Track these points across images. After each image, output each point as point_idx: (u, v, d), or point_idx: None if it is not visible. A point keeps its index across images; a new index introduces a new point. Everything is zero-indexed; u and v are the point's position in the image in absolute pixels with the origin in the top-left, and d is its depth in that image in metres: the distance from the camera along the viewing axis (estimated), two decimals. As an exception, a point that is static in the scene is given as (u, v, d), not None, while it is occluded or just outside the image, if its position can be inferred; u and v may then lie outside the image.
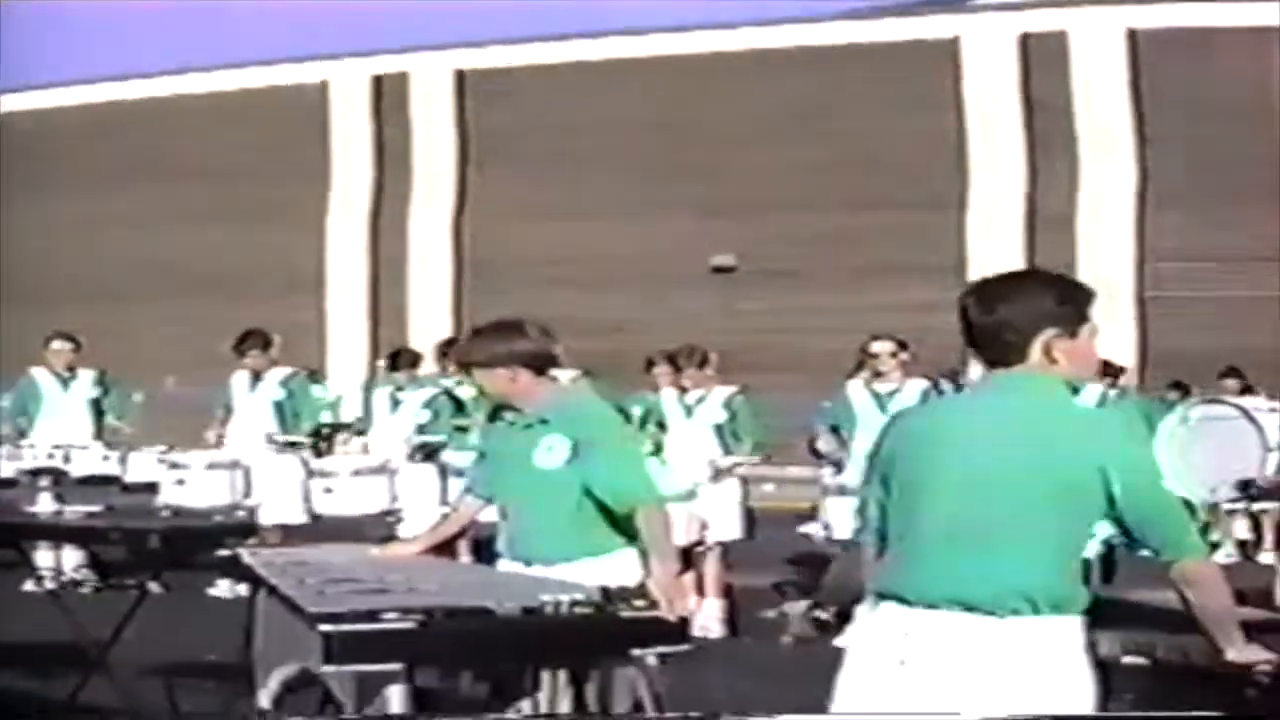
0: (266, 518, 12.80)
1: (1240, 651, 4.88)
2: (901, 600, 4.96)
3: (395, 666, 6.22)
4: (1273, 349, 22.24)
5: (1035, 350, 4.90)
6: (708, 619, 12.37)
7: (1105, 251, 26.88)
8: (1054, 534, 4.86)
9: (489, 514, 7.75)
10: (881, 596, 5.04)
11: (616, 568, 7.05)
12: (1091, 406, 10.03)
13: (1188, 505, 5.28)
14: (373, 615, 6.24)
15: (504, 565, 7.28)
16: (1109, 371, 15.33)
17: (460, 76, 30.61)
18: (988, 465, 4.86)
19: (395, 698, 6.26)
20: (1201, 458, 11.35)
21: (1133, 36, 27.18)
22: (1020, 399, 4.93)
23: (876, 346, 12.23)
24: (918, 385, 12.22)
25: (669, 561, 7.11)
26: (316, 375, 16.71)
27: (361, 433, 15.32)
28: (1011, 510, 4.84)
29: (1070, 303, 4.99)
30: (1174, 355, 22.98)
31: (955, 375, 13.70)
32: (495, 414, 7.95)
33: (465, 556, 10.67)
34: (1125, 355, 24.81)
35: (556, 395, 7.40)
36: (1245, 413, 11.42)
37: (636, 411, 13.08)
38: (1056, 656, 4.83)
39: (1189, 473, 11.94)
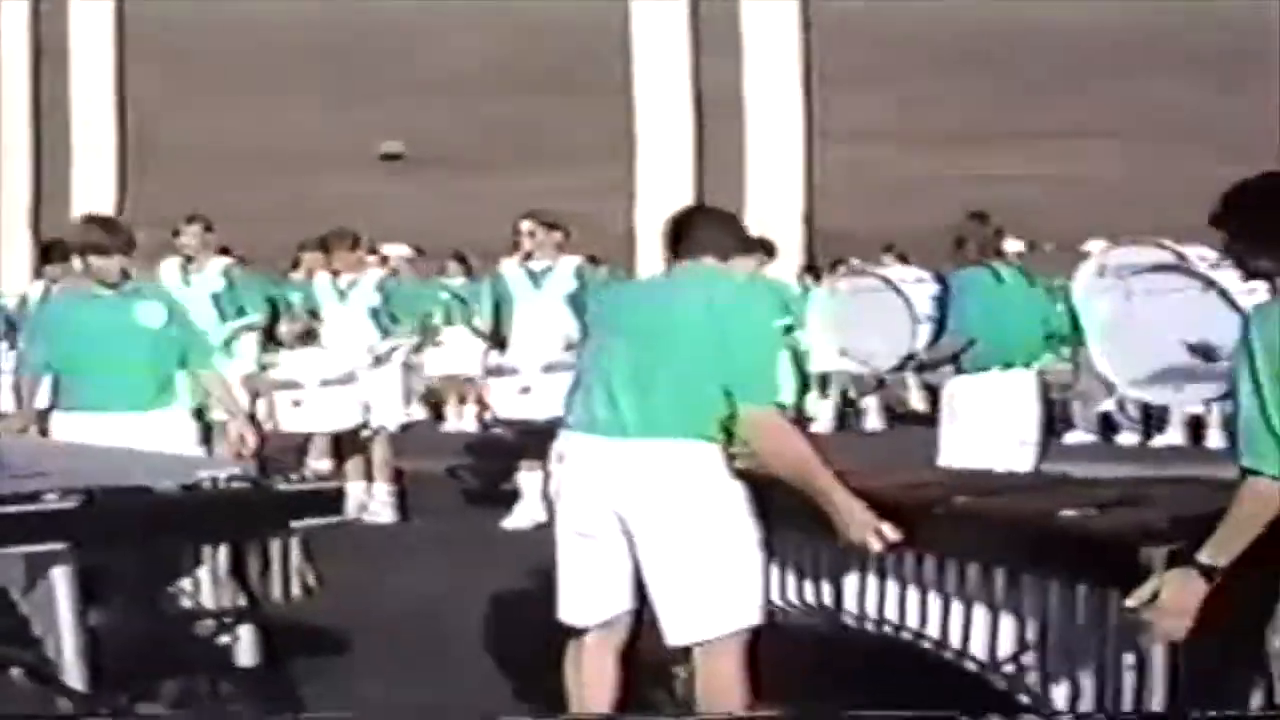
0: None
1: (852, 518, 5.53)
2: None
3: (59, 546, 6.26)
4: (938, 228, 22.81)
5: None
6: (377, 503, 12.54)
7: (773, 132, 27.30)
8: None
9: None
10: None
11: None
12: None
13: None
14: (34, 496, 6.27)
15: None
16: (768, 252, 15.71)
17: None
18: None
19: (60, 579, 6.30)
20: (852, 329, 11.75)
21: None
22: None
23: (525, 225, 12.34)
24: (571, 262, 12.38)
25: None
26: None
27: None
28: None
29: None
30: (843, 236, 23.48)
31: None
32: None
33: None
34: (794, 237, 25.41)
35: None
36: (890, 283, 11.85)
37: (296, 299, 13.09)
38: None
39: (839, 344, 12.35)
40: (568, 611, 5.89)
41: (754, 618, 5.70)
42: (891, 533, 5.46)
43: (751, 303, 5.99)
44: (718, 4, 27.42)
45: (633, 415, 5.67)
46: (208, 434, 9.39)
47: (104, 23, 29.54)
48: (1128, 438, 16.83)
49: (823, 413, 17.82)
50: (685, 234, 6.00)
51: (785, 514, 5.74)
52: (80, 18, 29.54)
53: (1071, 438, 16.43)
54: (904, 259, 17.95)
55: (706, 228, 6.04)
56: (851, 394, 18.88)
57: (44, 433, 8.45)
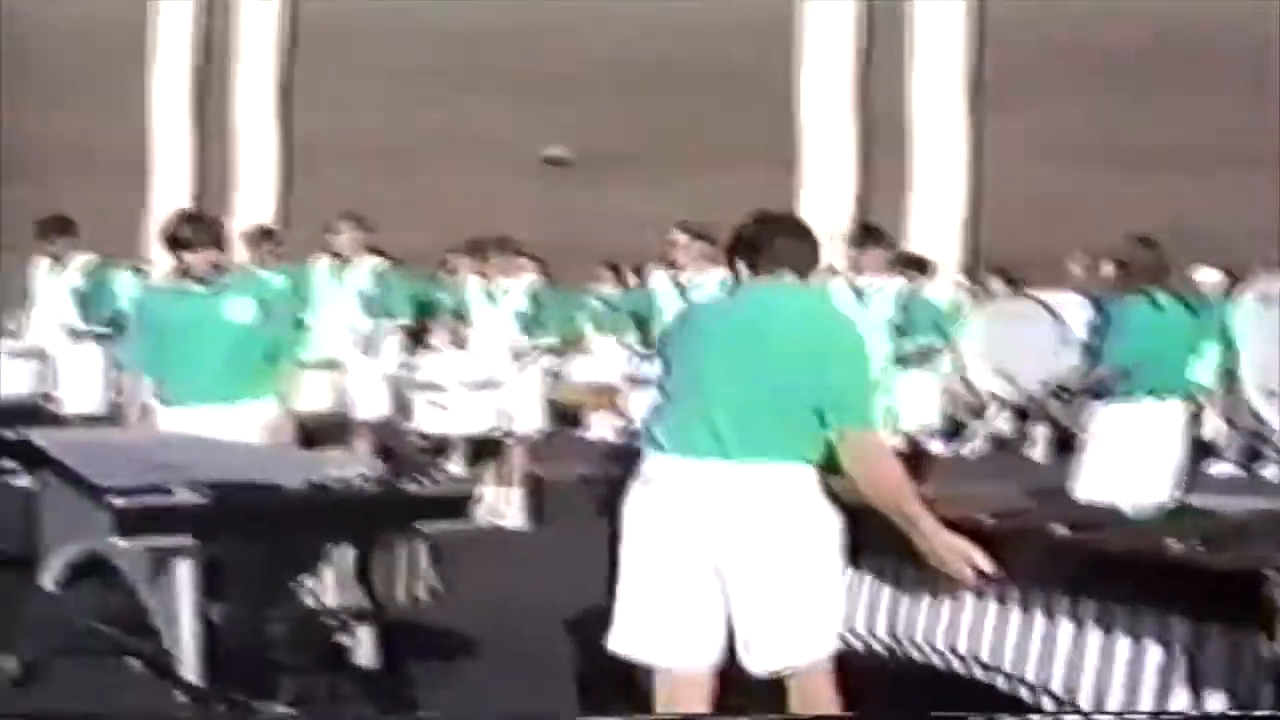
0: (69, 407, 12.71)
1: (939, 547, 5.42)
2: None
3: (185, 540, 6.29)
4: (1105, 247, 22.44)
5: None
6: (511, 509, 12.52)
7: (938, 143, 27.06)
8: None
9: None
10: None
11: None
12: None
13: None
14: (162, 490, 6.31)
15: None
16: (916, 266, 15.54)
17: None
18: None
19: (184, 572, 6.33)
20: (1004, 350, 11.60)
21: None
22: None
23: (674, 236, 12.26)
24: (718, 275, 12.29)
25: None
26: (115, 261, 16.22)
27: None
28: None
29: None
30: (1006, 250, 23.19)
31: None
32: None
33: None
34: (952, 248, 25.17)
35: None
36: (1046, 306, 11.69)
37: (445, 301, 13.13)
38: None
39: (991, 363, 12.20)
40: (648, 649, 5.65)
41: (835, 644, 5.59)
42: (985, 563, 5.35)
43: (845, 323, 5.86)
44: (888, 11, 27.23)
45: (731, 437, 5.51)
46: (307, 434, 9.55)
47: (270, 21, 29.90)
48: (1274, 471, 16.43)
49: (975, 435, 17.52)
50: (763, 248, 5.79)
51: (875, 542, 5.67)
52: (249, 16, 29.93)
53: (1217, 468, 16.07)
54: (1064, 279, 17.74)
55: (786, 241, 5.83)
56: (1004, 419, 18.49)
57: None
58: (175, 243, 8.72)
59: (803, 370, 5.51)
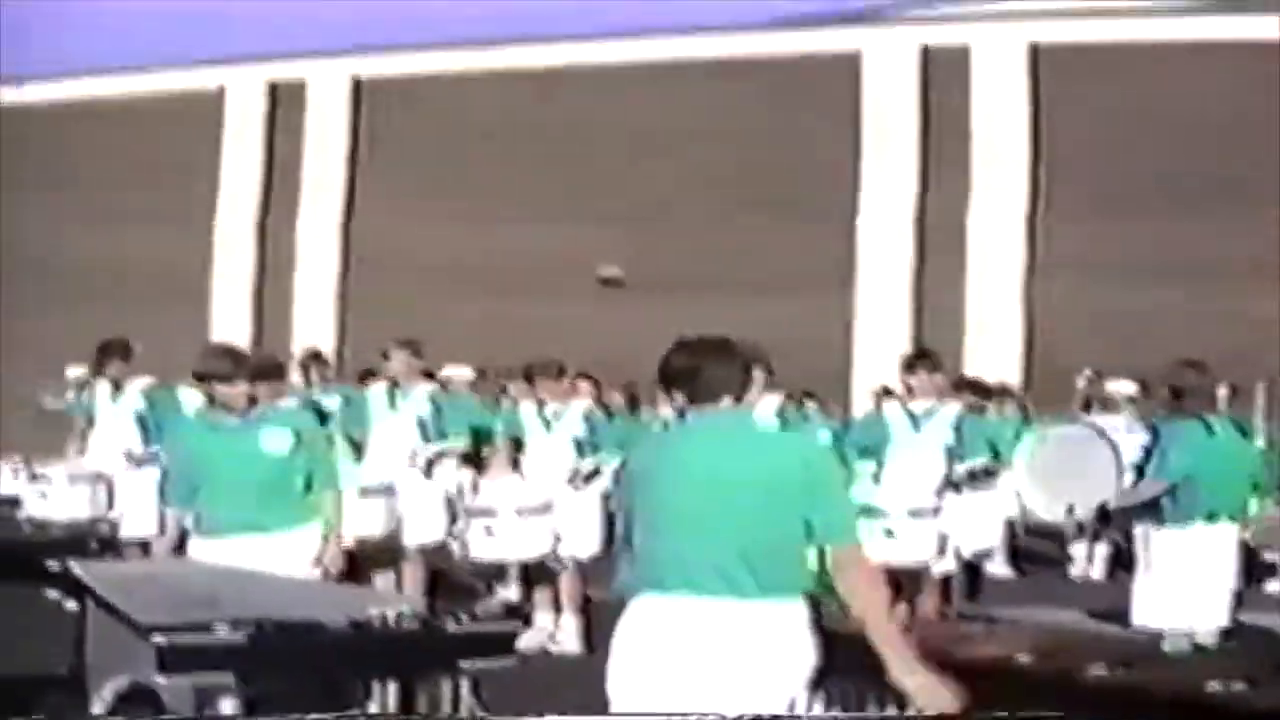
0: (127, 531, 12.76)
1: (904, 675, 5.42)
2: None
3: (227, 678, 6.28)
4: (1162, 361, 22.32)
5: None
6: (564, 634, 12.43)
7: (994, 263, 27.09)
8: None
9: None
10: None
11: None
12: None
13: None
14: (204, 627, 6.30)
15: None
16: (976, 390, 15.51)
17: (356, 83, 30.56)
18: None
19: (228, 709, 6.32)
20: (1058, 475, 11.52)
21: (1034, 51, 27.39)
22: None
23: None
24: (772, 401, 12.27)
25: None
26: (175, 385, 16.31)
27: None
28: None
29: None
30: (1064, 368, 23.11)
31: None
32: None
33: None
34: (1012, 368, 25.11)
35: None
36: (1101, 432, 11.62)
37: (500, 425, 13.14)
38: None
39: (1044, 489, 12.11)
40: None
41: None
42: (953, 705, 5.34)
43: (816, 445, 6.08)
44: (946, 132, 27.34)
45: (742, 576, 5.54)
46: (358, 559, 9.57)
47: (339, 140, 30.20)
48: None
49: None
50: (695, 376, 5.83)
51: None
52: (314, 135, 30.23)
53: (1273, 585, 15.90)
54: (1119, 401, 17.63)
55: (716, 368, 5.87)
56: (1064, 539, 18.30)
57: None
58: (208, 376, 8.81)
59: (792, 500, 5.56)
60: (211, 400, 8.92)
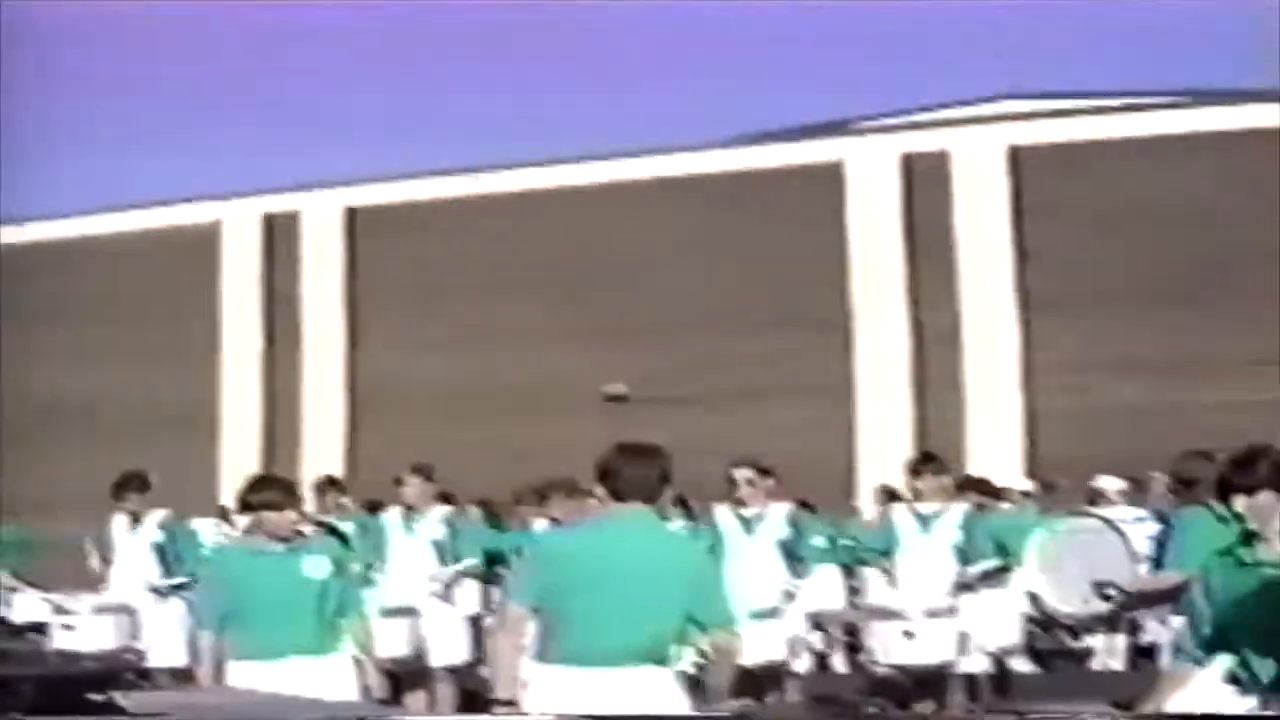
0: (156, 660, 12.87)
1: None
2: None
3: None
4: (1163, 454, 22.43)
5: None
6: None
7: (990, 365, 27.27)
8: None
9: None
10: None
11: None
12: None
13: None
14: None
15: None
16: (982, 489, 15.61)
17: (350, 212, 30.83)
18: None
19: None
20: (1069, 569, 11.61)
21: (1014, 153, 27.69)
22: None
23: (736, 473, 12.58)
24: (782, 509, 12.46)
25: None
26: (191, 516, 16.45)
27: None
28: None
29: None
30: (1066, 464, 23.22)
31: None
32: None
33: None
34: (1014, 467, 25.18)
35: None
36: (1110, 524, 11.73)
37: (512, 547, 13.24)
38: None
39: (1056, 583, 12.20)
40: None
41: None
42: None
43: (694, 544, 7.90)
44: (933, 238, 27.56)
45: (650, 648, 6.63)
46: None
47: (334, 269, 30.43)
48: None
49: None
50: (617, 476, 6.91)
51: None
52: (312, 264, 30.47)
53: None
54: (1126, 491, 17.71)
55: (636, 470, 6.92)
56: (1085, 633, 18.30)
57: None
58: (255, 505, 9.00)
59: (674, 587, 6.71)
60: (251, 528, 9.09)
